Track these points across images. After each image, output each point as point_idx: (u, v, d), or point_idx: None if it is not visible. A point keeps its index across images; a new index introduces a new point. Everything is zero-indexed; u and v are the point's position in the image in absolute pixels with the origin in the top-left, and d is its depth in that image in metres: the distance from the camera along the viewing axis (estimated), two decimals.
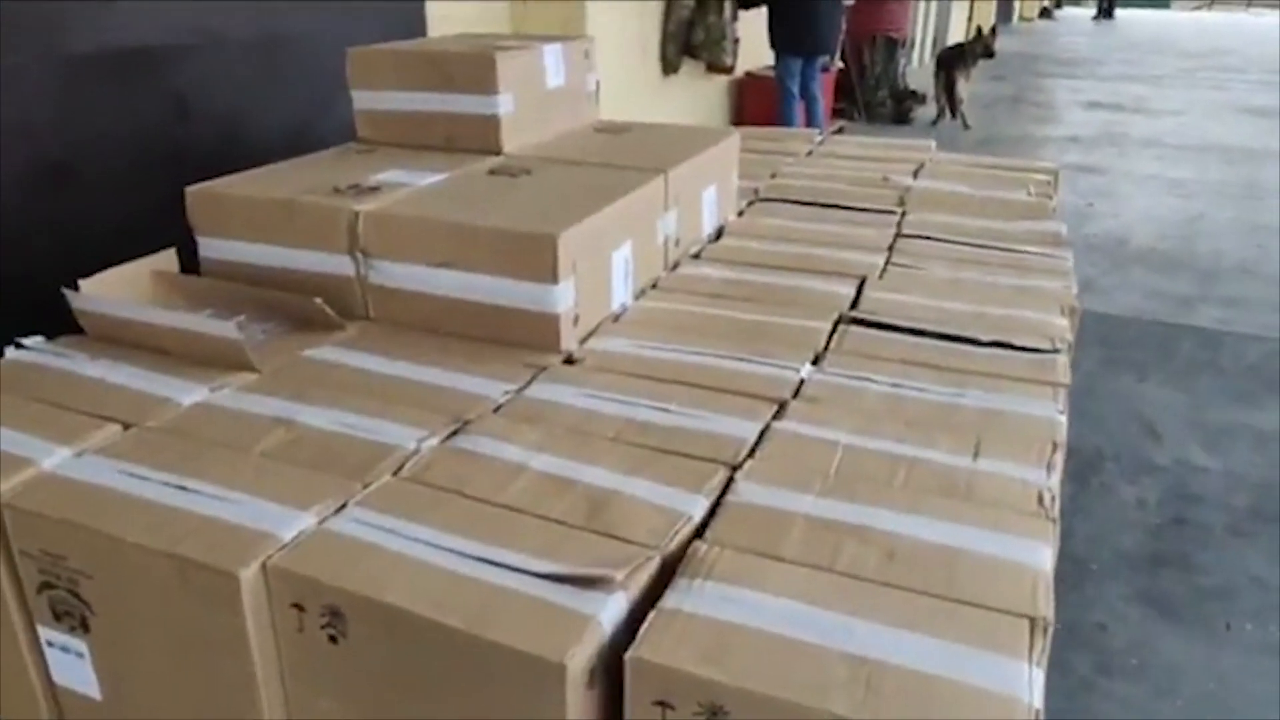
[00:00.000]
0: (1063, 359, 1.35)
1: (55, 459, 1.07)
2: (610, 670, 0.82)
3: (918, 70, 8.94)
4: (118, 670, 1.05)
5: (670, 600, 0.85)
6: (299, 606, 0.90)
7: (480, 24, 3.40)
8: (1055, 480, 1.05)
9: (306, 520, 0.96)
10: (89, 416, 1.17)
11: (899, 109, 7.08)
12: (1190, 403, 2.86)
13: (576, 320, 1.40)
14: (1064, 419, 1.20)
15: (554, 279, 1.33)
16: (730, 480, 1.04)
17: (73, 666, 1.06)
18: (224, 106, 2.42)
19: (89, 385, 1.26)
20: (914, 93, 7.28)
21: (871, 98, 7.17)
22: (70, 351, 1.35)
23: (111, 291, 1.47)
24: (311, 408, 1.19)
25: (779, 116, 5.39)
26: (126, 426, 1.16)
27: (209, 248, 1.58)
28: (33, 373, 1.29)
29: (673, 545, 0.93)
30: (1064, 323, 1.49)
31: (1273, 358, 3.20)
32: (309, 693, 0.95)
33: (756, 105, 5.70)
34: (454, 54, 1.79)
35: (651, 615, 0.83)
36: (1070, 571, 2.00)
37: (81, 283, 1.43)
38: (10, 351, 1.34)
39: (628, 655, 0.79)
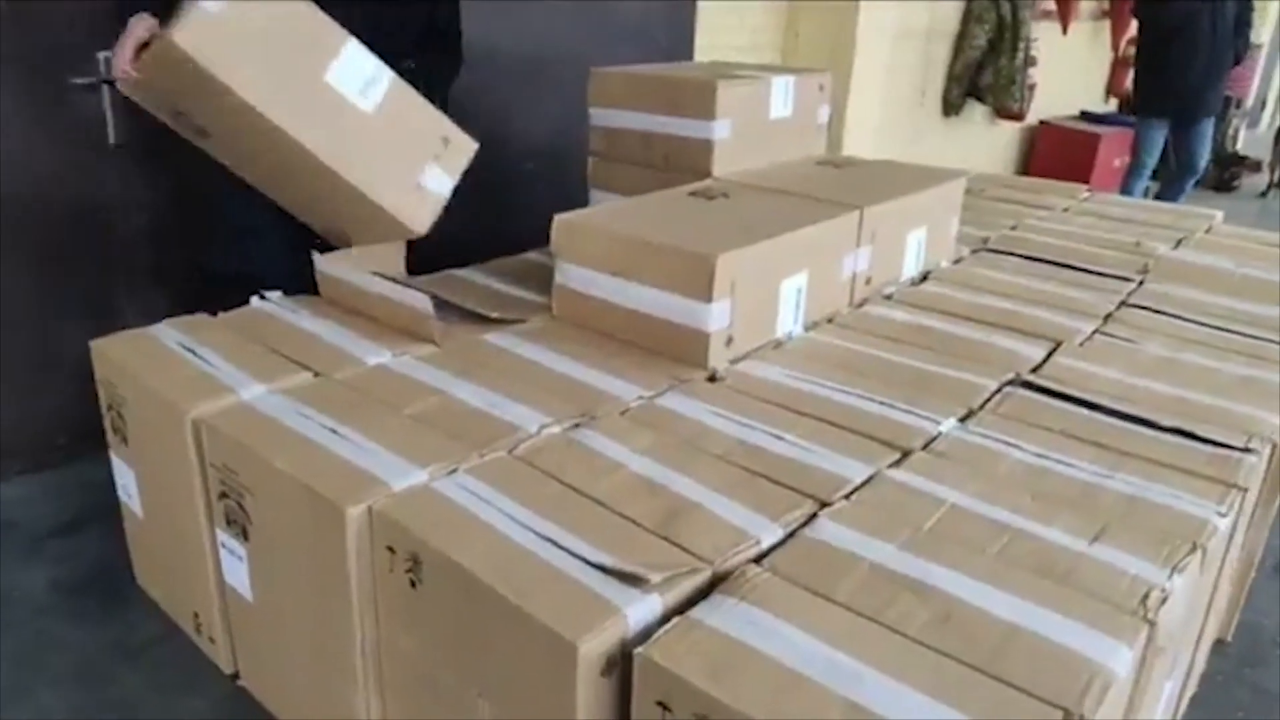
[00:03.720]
0: (1253, 460, 1.19)
1: (252, 392, 1.28)
2: (630, 665, 0.85)
3: (1265, 135, 7.94)
4: (265, 579, 1.23)
5: (699, 611, 0.87)
6: (391, 549, 1.01)
7: (752, 55, 3.49)
8: (1177, 583, 0.94)
9: (420, 476, 1.08)
10: (291, 362, 1.37)
11: (1222, 176, 6.34)
12: None
13: (730, 341, 1.44)
14: (1224, 522, 1.07)
15: (708, 298, 1.37)
16: (814, 515, 1.04)
17: (236, 569, 1.26)
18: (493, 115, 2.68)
19: (302, 337, 1.47)
20: (1244, 159, 6.49)
21: None
22: (299, 308, 1.58)
23: (353, 265, 1.70)
24: (467, 384, 1.32)
25: (1121, 187, 4.56)
26: (316, 375, 1.35)
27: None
28: (264, 321, 1.53)
29: (729, 564, 0.95)
30: (1275, 421, 1.32)
31: None
32: (393, 627, 1.06)
33: (1050, 157, 5.35)
34: (681, 79, 1.89)
35: (675, 620, 0.85)
36: (1251, 702, 1.67)
37: (322, 257, 1.67)
38: (254, 301, 1.59)
39: (637, 651, 0.82)
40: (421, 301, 1.47)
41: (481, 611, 0.93)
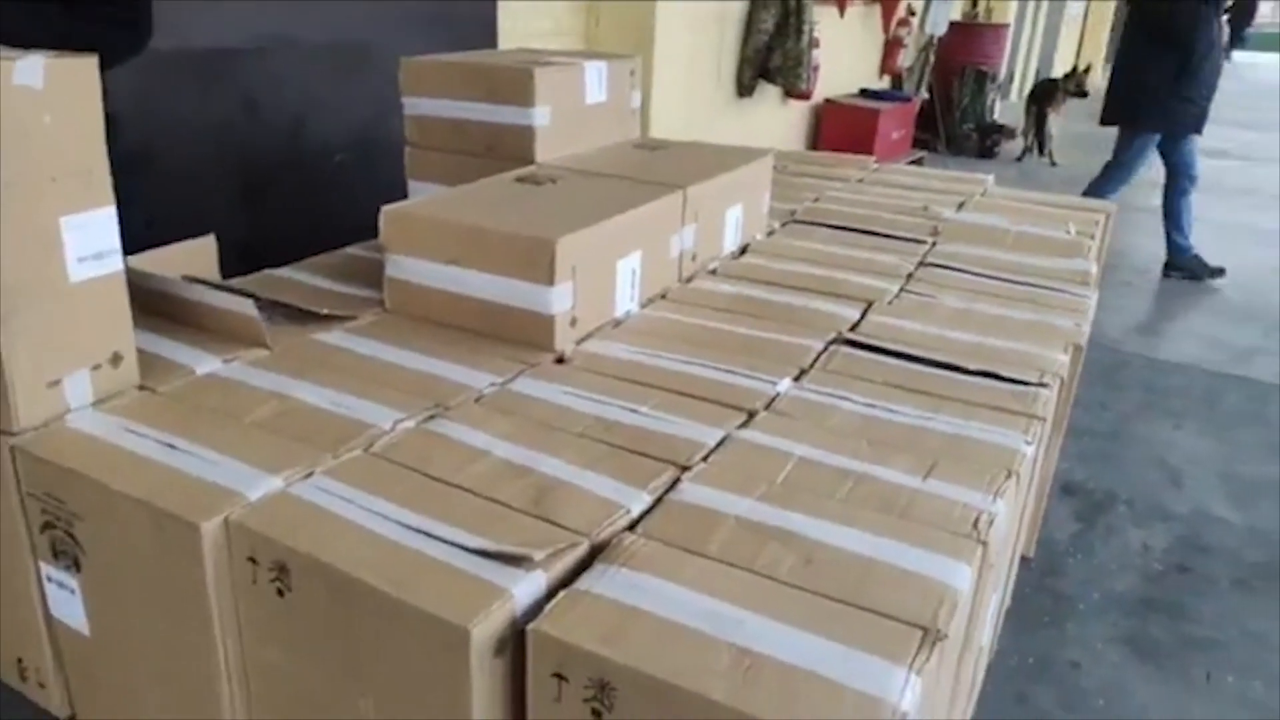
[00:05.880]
0: (1046, 393, 1.35)
1: (73, 412, 1.18)
2: (521, 642, 0.87)
3: (1015, 105, 8.77)
4: (103, 609, 1.14)
5: (583, 582, 0.89)
6: (253, 560, 0.97)
7: (555, 40, 3.52)
8: (1000, 506, 1.06)
9: (274, 483, 1.04)
10: None
11: (984, 143, 6.97)
12: (1224, 454, 2.77)
13: (574, 322, 1.46)
14: (1030, 450, 1.21)
15: (550, 281, 1.39)
16: (677, 480, 1.08)
17: (67, 602, 1.17)
18: (294, 106, 2.57)
19: None
20: (1001, 127, 7.16)
21: (955, 130, 7.08)
22: None
23: (160, 269, 1.59)
24: (307, 385, 1.28)
25: (1092, 187, 4.47)
26: (143, 389, 1.27)
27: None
28: None
29: (604, 534, 0.98)
30: (1063, 359, 1.49)
31: None
32: (259, 642, 1.02)
33: (836, 132, 5.70)
34: (496, 66, 1.89)
35: (561, 594, 0.87)
36: (1053, 608, 1.97)
37: (131, 258, 1.56)
38: None
39: (529, 627, 0.84)
40: (243, 305, 1.40)
41: (359, 611, 0.91)
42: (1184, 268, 4.55)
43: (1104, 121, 4.46)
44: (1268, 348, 3.65)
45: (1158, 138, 4.34)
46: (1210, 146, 8.24)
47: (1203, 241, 4.55)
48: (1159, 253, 4.66)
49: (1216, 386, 3.28)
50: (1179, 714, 1.78)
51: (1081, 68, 7.12)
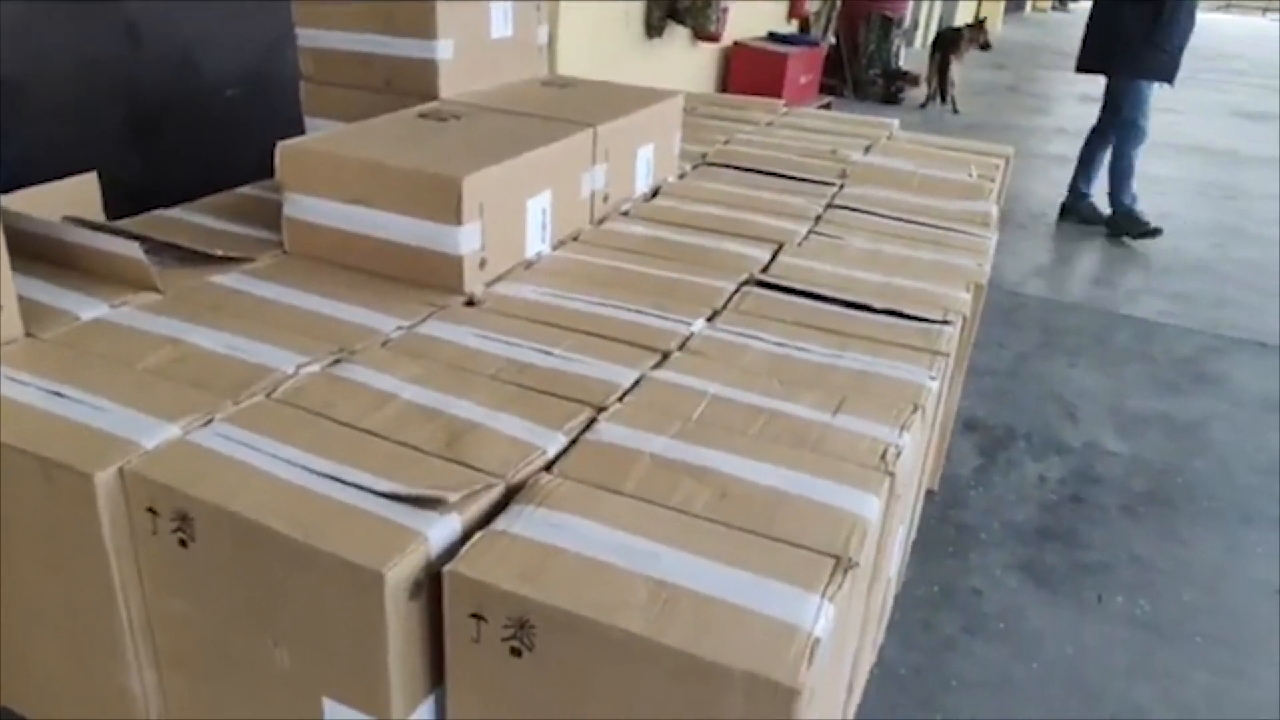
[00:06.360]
0: (950, 330, 1.39)
1: None
2: (437, 586, 0.86)
3: (920, 53, 8.90)
4: None
5: (500, 523, 0.89)
6: (153, 511, 0.94)
7: None
8: (906, 439, 1.09)
9: (171, 431, 1.00)
10: None
11: (889, 89, 7.07)
12: (1114, 389, 2.92)
13: (483, 264, 1.43)
14: (935, 385, 1.24)
15: (458, 221, 1.36)
16: (593, 420, 1.08)
17: None
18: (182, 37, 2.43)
19: None
20: (906, 74, 7.26)
21: (861, 76, 7.15)
22: None
23: (37, 209, 1.49)
24: (203, 329, 1.22)
25: (1118, 161, 4.33)
26: (27, 335, 1.20)
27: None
28: None
29: (520, 475, 0.97)
30: (965, 297, 1.53)
31: (1205, 352, 3.27)
32: (163, 594, 0.99)
33: (744, 76, 5.68)
34: None
35: (478, 535, 0.87)
36: (956, 538, 2.06)
37: (4, 198, 1.46)
38: None
39: (445, 569, 0.83)
40: (129, 247, 1.33)
41: (268, 559, 0.89)
42: (1117, 223, 4.44)
43: (1080, 69, 4.45)
44: (1152, 288, 3.85)
45: (1154, 85, 4.26)
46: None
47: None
48: (1053, 197, 4.82)
49: (1108, 325, 3.44)
50: (1073, 633, 1.90)
51: (986, 21, 7.25)
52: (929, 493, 2.09)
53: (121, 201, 1.62)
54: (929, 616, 1.84)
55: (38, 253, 1.40)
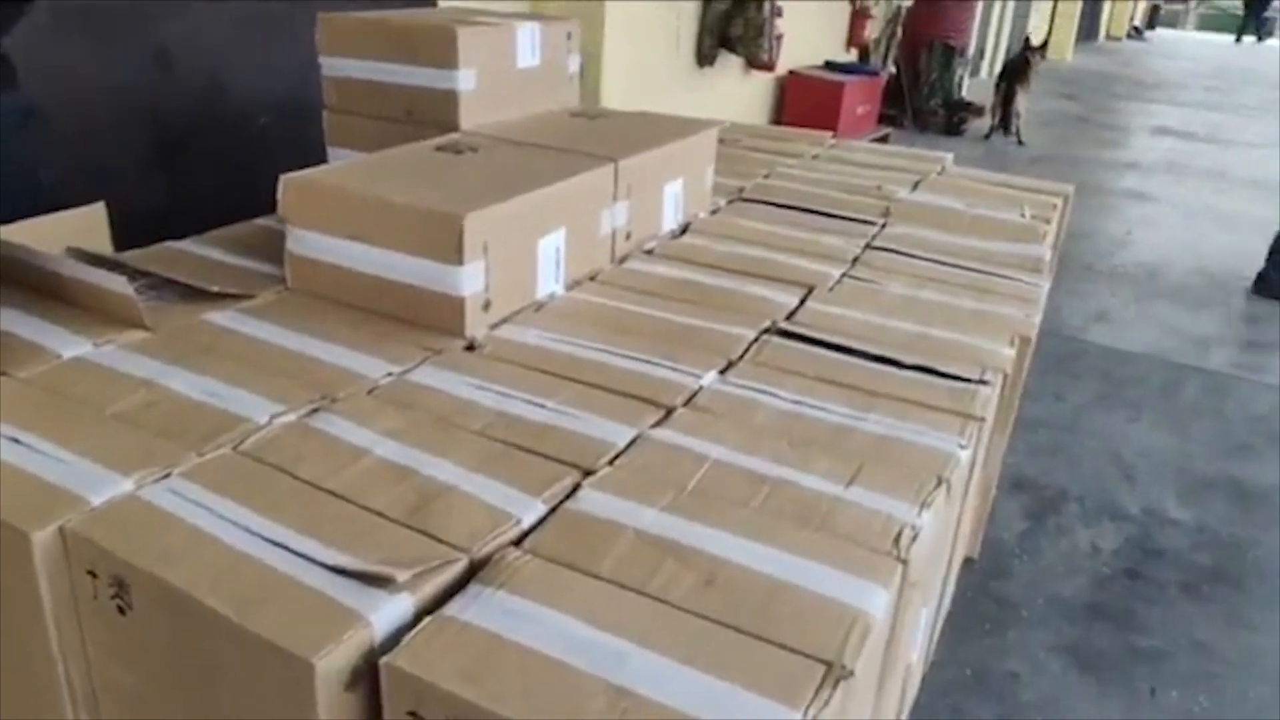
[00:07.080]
0: (986, 391, 1.26)
1: None
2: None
3: (984, 82, 8.70)
4: None
5: (452, 607, 0.80)
6: (92, 574, 0.87)
7: (498, 4, 3.36)
8: (926, 519, 0.97)
9: (124, 486, 0.93)
10: None
11: (951, 120, 6.89)
12: (1179, 449, 2.72)
13: (488, 305, 1.36)
14: (965, 454, 1.12)
15: (459, 260, 1.28)
16: (578, 486, 0.99)
17: None
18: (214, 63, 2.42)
19: None
20: (969, 104, 7.09)
21: (923, 106, 6.99)
22: None
23: (42, 239, 1.46)
24: (183, 372, 1.16)
25: None
26: (1, 374, 1.15)
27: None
28: None
29: (486, 549, 0.88)
30: (1008, 353, 1.41)
31: None
32: (106, 662, 0.92)
33: (799, 106, 5.58)
34: (417, 25, 1.76)
35: (426, 621, 0.78)
36: (995, 614, 1.90)
37: (7, 227, 1.43)
38: None
39: (382, 661, 0.74)
40: (116, 281, 1.28)
41: (201, 635, 0.81)
42: None
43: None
44: (1225, 337, 3.61)
45: None
46: (1180, 129, 8.27)
47: (1168, 223, 4.50)
48: (1120, 235, 4.61)
49: (1175, 377, 3.23)
50: None
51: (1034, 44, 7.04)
52: (967, 560, 1.93)
53: (153, 229, 1.58)
54: (959, 702, 1.69)
55: (34, 286, 1.37)
